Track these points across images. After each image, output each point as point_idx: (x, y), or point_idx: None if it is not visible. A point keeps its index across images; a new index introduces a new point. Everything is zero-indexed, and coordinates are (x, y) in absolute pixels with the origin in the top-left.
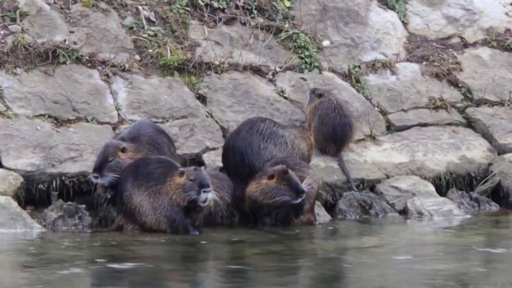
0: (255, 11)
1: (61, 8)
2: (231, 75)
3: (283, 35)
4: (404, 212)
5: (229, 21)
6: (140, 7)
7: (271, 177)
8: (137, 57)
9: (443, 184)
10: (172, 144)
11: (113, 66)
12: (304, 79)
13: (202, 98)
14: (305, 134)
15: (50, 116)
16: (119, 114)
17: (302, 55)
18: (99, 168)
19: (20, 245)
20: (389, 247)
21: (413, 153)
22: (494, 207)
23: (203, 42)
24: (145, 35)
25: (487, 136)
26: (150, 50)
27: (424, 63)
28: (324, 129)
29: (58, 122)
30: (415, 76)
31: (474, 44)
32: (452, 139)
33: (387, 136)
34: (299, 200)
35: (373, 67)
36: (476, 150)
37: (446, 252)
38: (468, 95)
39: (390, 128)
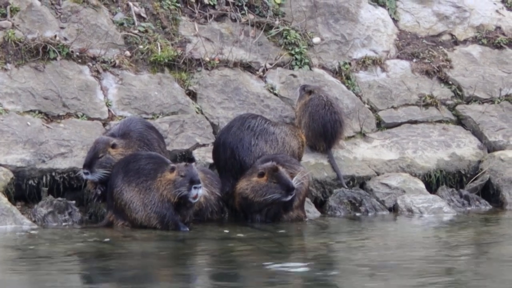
0: (245, 8)
1: (52, 4)
2: (222, 72)
3: (273, 31)
4: (394, 209)
5: (220, 18)
6: (130, 3)
7: (261, 174)
8: (128, 53)
9: (433, 182)
10: (162, 140)
11: (104, 62)
12: (294, 76)
13: (192, 95)
14: (296, 132)
15: (40, 112)
16: (109, 110)
17: (293, 52)
18: (89, 164)
19: (10, 241)
20: (379, 244)
21: (403, 150)
22: (484, 204)
23: (193, 39)
24: (136, 31)
25: (477, 134)
26: (141, 46)
27: (414, 60)
28: (314, 126)
29: (48, 118)
30: (405, 73)
31: (465, 42)
32: (442, 136)
33: (377, 133)
34: (289, 198)
35: (363, 64)
36: (466, 148)
37: (436, 249)
38: (458, 92)
39: (380, 125)
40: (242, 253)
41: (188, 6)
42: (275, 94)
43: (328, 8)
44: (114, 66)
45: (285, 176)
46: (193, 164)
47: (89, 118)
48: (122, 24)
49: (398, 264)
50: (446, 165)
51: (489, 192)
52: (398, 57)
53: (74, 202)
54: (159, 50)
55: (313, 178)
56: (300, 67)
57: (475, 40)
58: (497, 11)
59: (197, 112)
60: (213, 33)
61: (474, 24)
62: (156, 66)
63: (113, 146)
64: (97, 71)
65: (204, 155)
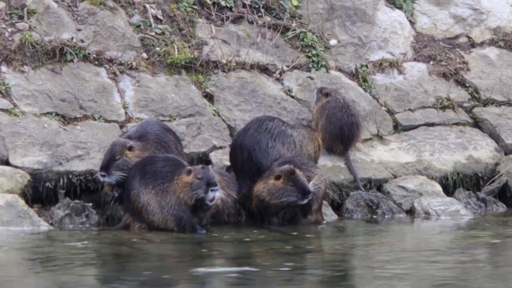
0: (262, 10)
1: (69, 6)
2: (238, 74)
3: (290, 34)
4: (411, 212)
5: (237, 20)
6: (147, 5)
7: (278, 177)
8: (144, 55)
9: (450, 184)
10: (179, 143)
11: (120, 64)
12: (311, 78)
13: (209, 97)
14: (313, 135)
15: (57, 114)
16: (126, 113)
17: (309, 54)
18: (106, 167)
19: (27, 243)
20: (396, 247)
21: (420, 153)
22: (501, 207)
23: (210, 41)
24: (153, 33)
25: (494, 136)
26: (158, 49)
27: (431, 62)
28: (331, 128)
29: (65, 120)
30: (422, 76)
31: (481, 44)
32: (459, 139)
33: (394, 135)
34: (305, 201)
35: (380, 66)
36: (483, 150)
37: (453, 252)
38: (475, 95)
39: (397, 127)
40: (259, 256)
41: (205, 8)
42: (292, 97)
43: (345, 11)
44: (131, 68)
45: (301, 179)
46: (210, 166)
47: (106, 121)
48: (139, 26)
49: (414, 267)
50: (463, 167)
51: (506, 195)
52: (415, 60)
53: (91, 204)
54: (176, 52)
55: (330, 181)
56: (317, 70)
57: (492, 43)
58: None
59: (214, 115)
60: (230, 35)
61: (491, 26)
62: (173, 68)
63: (130, 148)
64: (114, 73)
65: (221, 158)
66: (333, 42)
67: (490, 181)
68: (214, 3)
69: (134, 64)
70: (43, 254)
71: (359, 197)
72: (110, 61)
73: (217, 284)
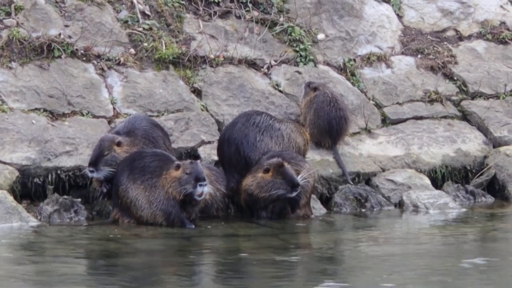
0: (250, 5)
1: (56, 2)
2: (226, 69)
3: (278, 28)
4: (399, 205)
5: (224, 15)
6: (135, 1)
7: (266, 170)
8: (132, 50)
9: (439, 177)
10: (167, 138)
11: (108, 60)
12: (299, 73)
13: (197, 92)
14: (301, 129)
15: (45, 110)
16: (114, 108)
17: (297, 49)
18: (95, 162)
19: (16, 239)
20: (385, 240)
21: (409, 146)
22: (490, 199)
23: (198, 36)
24: (140, 29)
25: (483, 129)
26: (145, 44)
27: (419, 56)
28: (320, 122)
29: (54, 116)
30: (410, 69)
31: (469, 37)
32: (447, 132)
33: (383, 129)
34: (294, 194)
35: (368, 60)
36: (471, 143)
37: (441, 244)
38: (463, 88)
39: (385, 121)
40: (247, 250)
41: (193, 4)
42: (280, 91)
43: (333, 5)
44: (118, 64)
45: (290, 172)
46: (199, 161)
47: (94, 116)
48: (126, 21)
49: (403, 260)
50: (451, 160)
51: (495, 188)
52: (403, 53)
53: (79, 200)
54: (164, 47)
55: (318, 175)
56: (305, 64)
57: (480, 36)
58: (501, 6)
59: (202, 110)
60: (217, 30)
61: (479, 19)
62: (161, 63)
63: (118, 144)
64: (102, 69)
65: (209, 152)
66: (320, 36)
67: (479, 174)
68: None
69: (122, 59)
70: (32, 251)
71: (348, 190)
72: (98, 57)
73: (204, 278)
